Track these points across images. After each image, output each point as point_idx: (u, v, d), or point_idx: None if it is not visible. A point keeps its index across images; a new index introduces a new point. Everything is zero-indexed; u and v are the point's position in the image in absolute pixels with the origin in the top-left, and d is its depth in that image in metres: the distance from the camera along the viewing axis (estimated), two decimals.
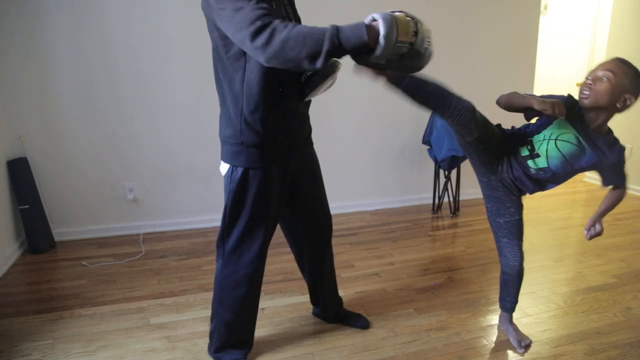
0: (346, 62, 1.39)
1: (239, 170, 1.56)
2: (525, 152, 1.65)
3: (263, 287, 1.84)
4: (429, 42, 1.28)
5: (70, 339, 1.97)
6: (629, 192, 4.00)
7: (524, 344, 1.88)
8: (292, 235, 1.90)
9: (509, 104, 1.60)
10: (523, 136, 1.67)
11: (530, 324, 2.05)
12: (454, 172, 3.50)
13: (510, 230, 1.77)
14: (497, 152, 1.66)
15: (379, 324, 2.06)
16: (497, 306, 2.11)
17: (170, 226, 3.24)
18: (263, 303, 2.21)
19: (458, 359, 1.82)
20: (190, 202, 3.24)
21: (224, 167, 1.60)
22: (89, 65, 2.87)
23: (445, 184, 3.50)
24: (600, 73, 1.48)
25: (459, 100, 1.52)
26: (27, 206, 2.82)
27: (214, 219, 3.25)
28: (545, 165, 1.60)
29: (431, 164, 3.62)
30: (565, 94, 1.60)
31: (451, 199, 3.53)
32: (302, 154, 1.73)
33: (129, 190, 3.11)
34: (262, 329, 2.01)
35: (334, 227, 2.02)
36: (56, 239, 3.01)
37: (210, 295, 2.31)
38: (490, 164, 1.68)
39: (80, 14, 2.79)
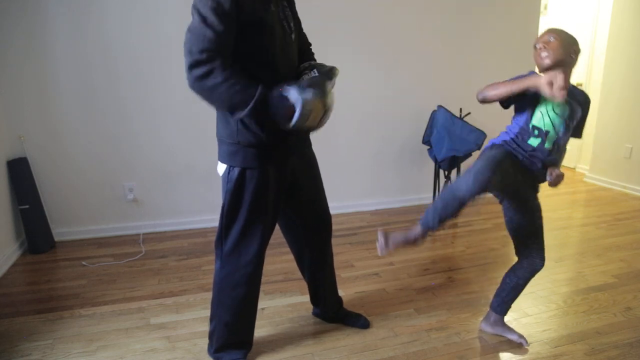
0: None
1: (236, 170, 1.56)
2: (536, 141, 1.66)
3: (263, 287, 1.85)
4: (328, 116, 1.49)
5: (70, 339, 1.97)
6: (629, 192, 4.00)
7: (524, 338, 1.89)
8: (291, 235, 1.90)
9: (495, 92, 1.68)
10: (523, 132, 1.67)
11: (530, 324, 2.05)
12: (454, 172, 3.50)
13: (534, 232, 1.78)
14: (509, 171, 1.69)
15: (379, 324, 2.06)
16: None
17: (170, 226, 3.24)
18: (263, 303, 2.22)
19: (458, 359, 1.82)
20: (190, 202, 3.24)
21: (221, 168, 1.60)
22: (89, 65, 2.87)
23: (445, 184, 3.50)
24: (546, 37, 1.64)
25: (465, 190, 1.52)
26: (27, 206, 2.82)
27: (213, 219, 3.24)
28: (556, 137, 1.66)
29: (431, 164, 3.62)
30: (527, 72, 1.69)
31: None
32: (301, 154, 1.73)
33: (129, 190, 3.11)
34: (262, 329, 2.01)
35: (334, 227, 2.02)
36: (56, 239, 3.01)
37: (210, 295, 2.31)
38: (508, 180, 1.70)
39: (80, 14, 2.79)
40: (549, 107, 1.65)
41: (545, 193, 4.04)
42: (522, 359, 1.83)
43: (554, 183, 1.67)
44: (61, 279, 2.53)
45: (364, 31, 3.30)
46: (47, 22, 2.75)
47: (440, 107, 3.33)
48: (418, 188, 3.75)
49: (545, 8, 4.98)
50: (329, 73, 1.58)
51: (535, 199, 1.78)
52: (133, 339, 1.97)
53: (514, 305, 2.18)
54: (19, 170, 2.80)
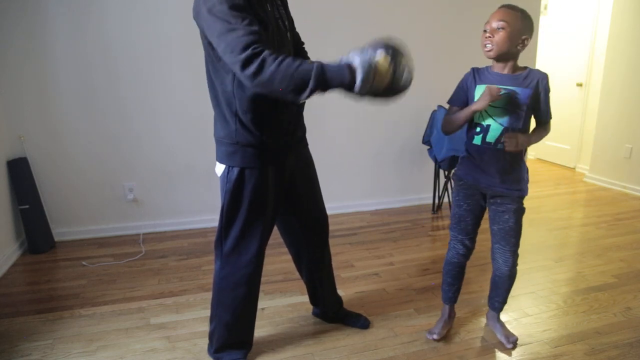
0: None
1: (235, 171, 1.56)
2: (477, 139, 1.72)
3: (263, 287, 1.85)
4: (408, 72, 1.37)
5: (70, 339, 1.97)
6: (629, 192, 4.00)
7: (512, 340, 1.89)
8: (289, 236, 1.90)
9: (453, 127, 1.77)
10: (469, 134, 1.76)
11: (530, 324, 2.05)
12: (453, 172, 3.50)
13: (502, 236, 1.78)
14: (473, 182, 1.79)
15: (379, 324, 2.06)
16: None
17: (170, 226, 3.24)
18: (263, 303, 2.22)
19: (458, 359, 1.82)
20: (190, 202, 3.24)
21: (220, 168, 1.60)
22: (89, 65, 2.87)
23: (445, 184, 3.50)
24: (494, 24, 1.60)
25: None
26: (27, 206, 2.82)
27: (213, 219, 3.24)
28: (502, 128, 1.66)
29: (431, 164, 3.62)
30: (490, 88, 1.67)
31: (451, 199, 3.53)
32: (298, 154, 1.73)
33: (129, 190, 3.11)
34: (262, 329, 2.01)
35: (334, 227, 2.02)
36: (56, 239, 3.01)
37: (210, 295, 2.31)
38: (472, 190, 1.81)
39: (80, 14, 2.79)
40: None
41: (545, 193, 4.05)
42: (522, 359, 1.83)
43: (509, 145, 1.63)
44: (61, 279, 2.53)
45: (363, 31, 3.30)
46: (47, 22, 2.75)
47: (440, 107, 3.32)
48: (418, 188, 3.75)
49: (545, 8, 4.98)
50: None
51: (510, 202, 1.76)
52: (133, 339, 1.97)
53: (514, 305, 2.19)
54: (19, 170, 2.80)
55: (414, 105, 3.56)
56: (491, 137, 1.69)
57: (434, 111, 3.38)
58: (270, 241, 1.75)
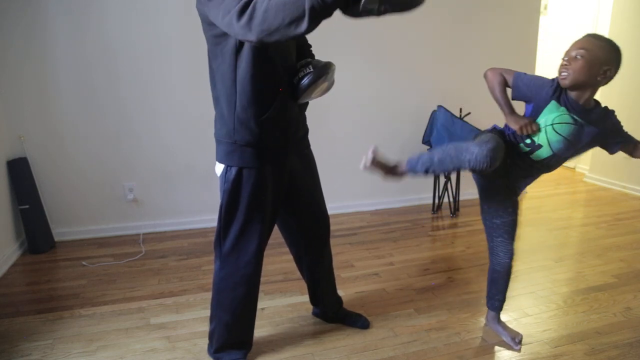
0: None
1: (233, 170, 1.55)
2: (525, 149, 1.66)
3: (263, 287, 1.85)
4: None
5: (70, 339, 1.97)
6: (629, 192, 4.00)
7: (518, 340, 1.89)
8: (290, 236, 1.90)
9: (492, 92, 1.67)
10: (517, 135, 1.67)
11: (530, 324, 2.05)
12: (454, 172, 3.50)
13: (506, 229, 1.78)
14: (504, 160, 1.66)
15: (379, 324, 2.06)
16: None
17: (170, 226, 3.24)
18: (263, 303, 2.22)
19: (458, 359, 1.82)
20: (190, 202, 3.24)
21: (219, 168, 1.60)
22: (89, 65, 2.87)
23: (445, 184, 3.50)
24: (574, 53, 1.52)
25: (474, 156, 1.47)
26: (27, 206, 2.82)
27: (213, 219, 3.21)
28: (550, 154, 1.61)
29: None
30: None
31: (451, 199, 3.53)
32: (299, 155, 1.72)
33: (129, 190, 3.11)
34: (262, 329, 2.01)
35: (334, 227, 2.02)
36: (56, 239, 3.01)
37: (210, 295, 2.31)
38: (499, 170, 1.67)
39: (81, 13, 2.79)
40: (550, 121, 1.58)
41: (545, 193, 4.05)
42: (522, 359, 1.83)
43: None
44: (61, 279, 2.53)
45: (364, 31, 3.30)
46: (47, 22, 2.75)
47: (440, 107, 3.33)
48: (418, 188, 3.75)
49: (545, 8, 4.98)
50: (324, 68, 1.55)
51: (514, 195, 1.77)
52: (133, 339, 1.97)
53: (514, 305, 2.19)
54: (19, 170, 2.80)
55: (414, 105, 3.56)
56: (536, 156, 1.64)
57: (434, 111, 3.38)
58: (270, 241, 1.75)
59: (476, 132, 3.15)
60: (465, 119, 3.41)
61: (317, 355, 1.85)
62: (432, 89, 3.57)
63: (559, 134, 1.57)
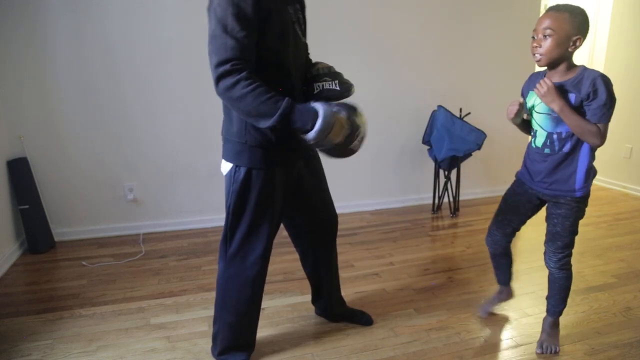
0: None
1: (242, 170, 1.55)
2: (533, 144, 1.74)
3: None
4: (360, 140, 1.54)
5: (70, 339, 1.97)
6: (629, 192, 4.00)
7: (545, 347, 1.86)
8: (296, 236, 1.90)
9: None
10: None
11: (530, 324, 2.05)
12: (454, 172, 3.50)
13: (550, 237, 1.79)
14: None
15: (379, 324, 2.06)
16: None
17: (170, 226, 3.24)
18: (263, 303, 2.19)
19: (458, 359, 1.82)
20: (190, 202, 3.24)
21: (226, 166, 1.59)
22: (89, 65, 2.87)
23: (445, 184, 3.50)
24: (541, 33, 1.54)
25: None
26: (27, 206, 2.82)
27: (214, 219, 3.25)
28: (545, 135, 1.66)
29: (431, 164, 3.62)
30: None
31: (451, 199, 3.53)
32: (308, 156, 1.73)
33: (129, 190, 3.11)
34: (262, 329, 2.01)
35: None
36: (56, 239, 3.01)
37: (210, 295, 2.31)
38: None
39: (81, 14, 2.78)
40: (534, 108, 1.69)
41: None
42: (522, 359, 1.83)
43: (539, 88, 1.57)
44: (61, 279, 2.53)
45: (363, 31, 3.30)
46: (47, 22, 2.75)
47: (440, 107, 3.33)
48: (418, 188, 3.75)
49: (545, 8, 4.98)
50: (347, 86, 1.66)
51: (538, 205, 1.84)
52: (133, 339, 1.97)
53: (514, 305, 2.19)
54: (19, 170, 2.80)
55: (414, 105, 3.56)
56: (538, 142, 1.70)
57: (434, 111, 3.38)
58: None
59: (476, 132, 3.17)
60: (465, 119, 3.41)
61: (317, 355, 1.85)
62: (432, 89, 3.57)
63: (541, 113, 1.65)
